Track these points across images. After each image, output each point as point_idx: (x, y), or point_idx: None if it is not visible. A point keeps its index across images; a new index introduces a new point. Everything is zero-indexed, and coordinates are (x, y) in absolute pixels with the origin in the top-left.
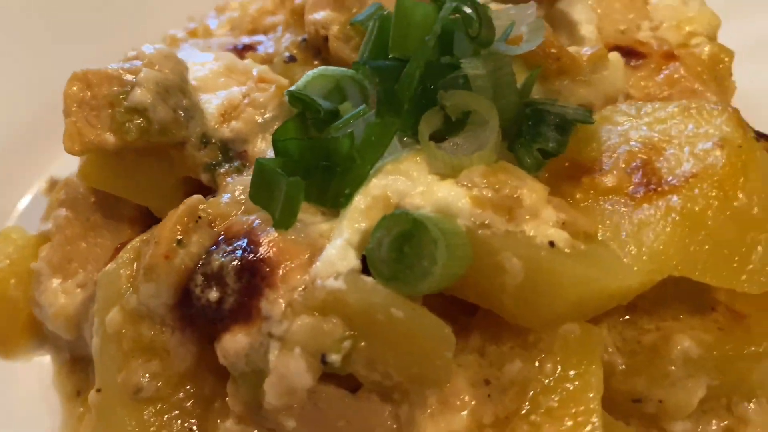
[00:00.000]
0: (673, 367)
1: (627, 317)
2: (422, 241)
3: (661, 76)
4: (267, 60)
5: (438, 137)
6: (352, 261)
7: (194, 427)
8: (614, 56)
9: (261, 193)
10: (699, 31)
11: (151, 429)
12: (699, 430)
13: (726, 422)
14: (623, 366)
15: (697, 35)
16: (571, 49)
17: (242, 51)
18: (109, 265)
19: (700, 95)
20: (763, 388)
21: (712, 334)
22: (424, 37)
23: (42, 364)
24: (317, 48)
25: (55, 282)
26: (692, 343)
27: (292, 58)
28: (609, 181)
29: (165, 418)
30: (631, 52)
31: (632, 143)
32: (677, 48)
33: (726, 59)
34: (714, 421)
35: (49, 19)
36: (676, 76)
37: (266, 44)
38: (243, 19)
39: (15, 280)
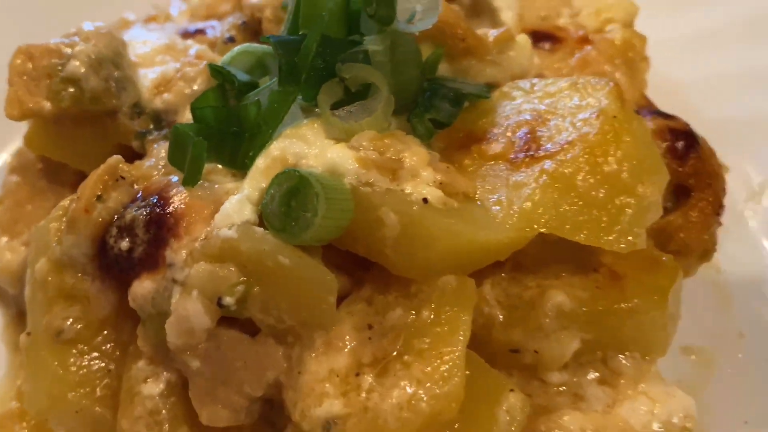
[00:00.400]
0: (546, 320)
1: (512, 275)
2: (307, 195)
3: (574, 59)
4: (213, 43)
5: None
6: (248, 214)
7: (111, 368)
8: (522, 38)
9: (176, 154)
10: (616, 18)
11: (72, 369)
12: (575, 380)
13: (599, 374)
14: (502, 318)
15: (613, 22)
16: (480, 31)
17: (194, 35)
18: (41, 222)
19: (609, 76)
20: (636, 343)
21: (588, 291)
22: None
23: None
24: (254, 30)
25: (3, 240)
26: (565, 298)
27: (231, 39)
28: (494, 148)
29: (85, 359)
30: (548, 37)
31: (522, 115)
32: (593, 33)
33: (638, 44)
34: (590, 373)
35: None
36: (588, 59)
37: (216, 29)
38: (201, 7)
39: None
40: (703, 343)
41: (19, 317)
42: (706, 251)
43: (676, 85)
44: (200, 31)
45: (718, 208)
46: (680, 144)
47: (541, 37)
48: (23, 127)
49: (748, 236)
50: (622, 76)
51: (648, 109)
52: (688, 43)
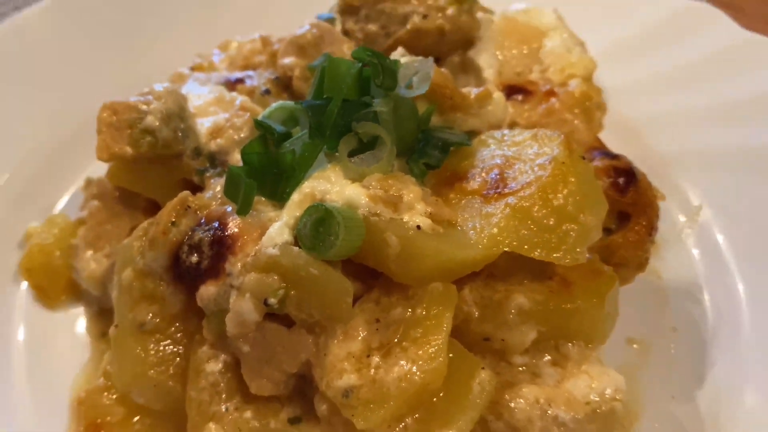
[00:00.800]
0: (510, 316)
1: (485, 282)
2: (330, 223)
3: (542, 108)
4: (251, 92)
5: (356, 154)
6: (286, 237)
7: (181, 352)
8: (498, 95)
9: (230, 190)
10: (577, 74)
11: (151, 352)
12: (534, 362)
13: (552, 357)
14: (477, 314)
15: (575, 77)
16: (465, 89)
17: (234, 83)
18: (125, 240)
19: (569, 123)
20: (580, 334)
21: (543, 294)
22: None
23: (78, 314)
24: (286, 84)
25: (89, 253)
26: (525, 300)
27: (267, 91)
28: (472, 185)
29: (161, 345)
30: (521, 90)
31: (494, 160)
32: (558, 87)
33: (594, 95)
34: (545, 357)
35: (91, 61)
36: (553, 109)
37: (253, 79)
38: (238, 57)
39: (59, 252)
40: (643, 335)
41: (100, 314)
42: (641, 264)
43: (633, 123)
44: (240, 81)
45: (651, 230)
46: (621, 180)
47: (515, 90)
48: (91, 161)
49: (685, 250)
50: (580, 123)
51: (599, 150)
52: (644, 88)
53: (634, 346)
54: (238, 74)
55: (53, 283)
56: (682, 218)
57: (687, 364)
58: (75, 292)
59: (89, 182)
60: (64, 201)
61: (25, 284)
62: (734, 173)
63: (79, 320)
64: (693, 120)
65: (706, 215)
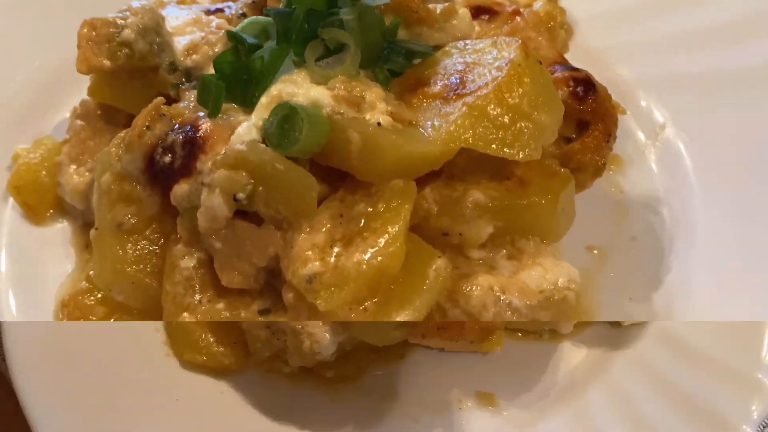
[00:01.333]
0: (467, 210)
1: (445, 182)
2: (295, 120)
3: (507, 27)
4: (229, 19)
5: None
6: (254, 135)
7: (157, 251)
8: (463, 11)
9: (203, 97)
10: None
11: (129, 251)
12: (491, 256)
13: (507, 251)
14: (436, 210)
15: None
16: (431, 5)
17: (214, 13)
18: (105, 147)
19: (533, 40)
20: (535, 230)
21: (499, 192)
22: None
23: (63, 229)
24: (261, 6)
25: (72, 168)
26: (481, 195)
27: (243, 15)
28: (434, 90)
29: (139, 244)
30: (488, 10)
31: (456, 66)
32: (523, 7)
33: (558, 15)
34: (502, 251)
35: None
36: (517, 27)
37: (232, 8)
38: None
39: (45, 171)
40: (603, 243)
41: (84, 227)
42: (598, 169)
43: (598, 52)
44: (219, 10)
45: (607, 136)
46: (580, 89)
47: (482, 10)
48: (78, 90)
49: (647, 166)
50: (543, 40)
51: (561, 65)
52: (609, 20)
53: (595, 252)
54: (219, 5)
55: (40, 199)
56: (645, 137)
57: (644, 269)
58: (60, 209)
59: (75, 110)
60: (51, 128)
61: (12, 202)
62: (697, 95)
63: (64, 235)
64: (657, 47)
65: (668, 134)
